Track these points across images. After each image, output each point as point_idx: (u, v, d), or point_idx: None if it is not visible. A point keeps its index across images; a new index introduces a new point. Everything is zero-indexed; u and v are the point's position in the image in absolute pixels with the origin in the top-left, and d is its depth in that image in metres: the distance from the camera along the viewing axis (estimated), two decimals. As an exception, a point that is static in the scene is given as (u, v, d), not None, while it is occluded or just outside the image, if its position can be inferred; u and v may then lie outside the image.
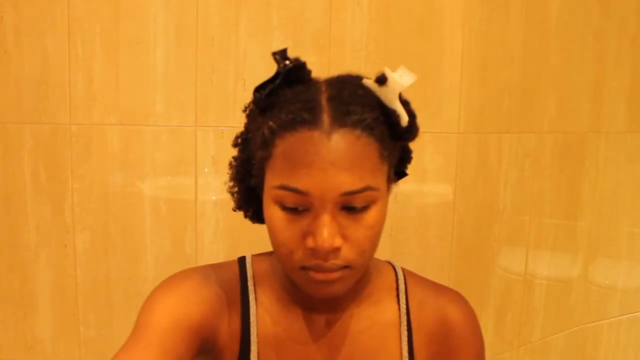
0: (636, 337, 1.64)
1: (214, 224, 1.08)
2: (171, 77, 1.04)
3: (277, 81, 0.54)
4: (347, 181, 0.51)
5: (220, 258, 1.09)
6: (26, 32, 1.01)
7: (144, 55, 1.03)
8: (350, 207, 0.52)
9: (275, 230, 0.54)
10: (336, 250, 0.52)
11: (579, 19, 1.36)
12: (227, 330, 0.61)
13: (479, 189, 1.22)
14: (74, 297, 1.08)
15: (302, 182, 0.51)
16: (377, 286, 0.65)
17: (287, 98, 0.53)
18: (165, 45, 1.03)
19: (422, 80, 1.12)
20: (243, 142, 0.63)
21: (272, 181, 0.53)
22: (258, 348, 0.61)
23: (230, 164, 0.65)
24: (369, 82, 0.54)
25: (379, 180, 0.54)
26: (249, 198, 0.64)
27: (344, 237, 0.53)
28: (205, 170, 1.07)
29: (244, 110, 0.60)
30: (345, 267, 0.54)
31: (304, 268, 0.54)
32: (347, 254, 0.53)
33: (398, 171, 0.64)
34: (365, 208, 0.53)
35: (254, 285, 0.64)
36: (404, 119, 0.54)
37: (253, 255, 0.67)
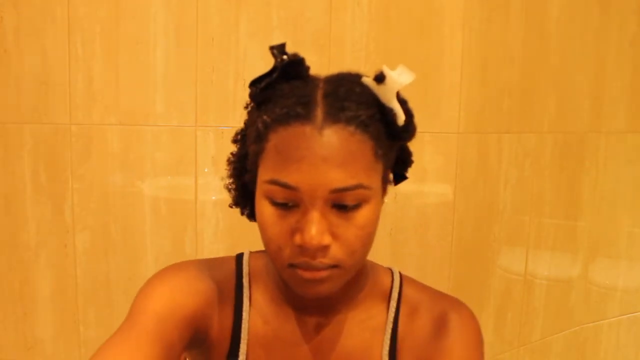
0: (636, 337, 1.64)
1: (214, 224, 1.08)
2: (171, 77, 1.04)
3: (274, 75, 0.53)
4: (337, 178, 0.50)
5: (220, 258, 1.09)
6: (26, 32, 1.01)
7: (144, 55, 1.03)
8: (341, 205, 0.52)
9: (264, 226, 0.54)
10: (325, 248, 0.52)
11: (579, 19, 1.36)
12: (219, 324, 0.61)
13: (479, 189, 1.22)
14: (74, 297, 1.08)
15: (292, 177, 0.50)
16: (373, 291, 0.65)
17: (283, 92, 0.53)
18: (165, 45, 1.03)
19: (422, 80, 1.12)
20: (242, 138, 0.63)
21: (264, 175, 0.53)
22: (248, 346, 0.61)
23: (228, 160, 0.64)
24: (367, 80, 0.54)
25: (373, 179, 0.53)
26: (245, 194, 0.63)
27: (334, 236, 0.52)
28: (205, 170, 1.07)
29: (246, 107, 0.59)
30: (334, 266, 0.53)
31: (292, 265, 0.53)
32: (337, 253, 0.52)
33: (397, 174, 0.63)
34: (356, 207, 0.52)
35: (249, 282, 0.64)
36: (401, 118, 0.53)
37: (251, 252, 0.67)
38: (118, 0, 1.01)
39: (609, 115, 1.47)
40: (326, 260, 0.52)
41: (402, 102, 0.55)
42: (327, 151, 0.50)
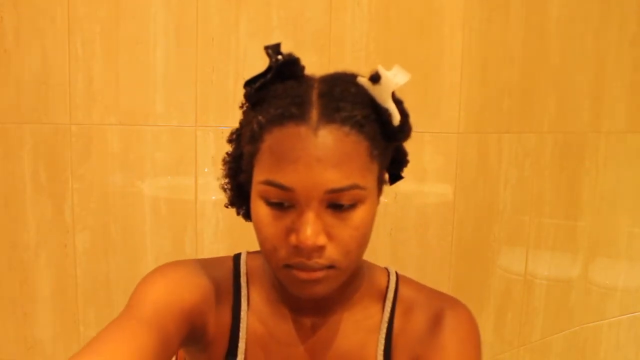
0: (636, 337, 1.64)
1: (214, 224, 1.08)
2: (171, 77, 1.04)
3: (269, 75, 0.53)
4: (332, 178, 0.50)
5: (220, 258, 1.09)
6: (26, 32, 1.01)
7: (144, 55, 1.03)
8: (336, 205, 0.52)
9: (260, 227, 0.54)
10: (320, 248, 0.52)
11: (579, 19, 1.36)
12: (216, 322, 0.62)
13: (479, 189, 1.22)
14: (74, 297, 1.08)
15: (287, 177, 0.50)
16: (369, 291, 0.65)
17: (278, 93, 0.53)
18: (165, 45, 1.04)
19: (422, 80, 1.12)
20: (237, 138, 0.63)
21: (259, 176, 0.53)
22: (246, 345, 0.61)
23: (223, 159, 0.64)
24: (363, 80, 0.53)
25: (368, 180, 0.53)
26: (240, 194, 0.63)
27: (329, 236, 0.52)
28: (205, 170, 1.07)
29: (241, 107, 0.59)
30: (330, 267, 0.53)
31: (287, 266, 0.53)
32: (332, 253, 0.52)
33: (393, 174, 0.63)
34: (352, 207, 0.52)
35: (247, 282, 0.64)
36: (396, 118, 0.53)
37: (249, 253, 0.68)
38: (118, 0, 1.02)
39: (609, 115, 1.47)
40: (322, 261, 0.52)
41: (398, 103, 0.54)
42: (322, 152, 0.50)
